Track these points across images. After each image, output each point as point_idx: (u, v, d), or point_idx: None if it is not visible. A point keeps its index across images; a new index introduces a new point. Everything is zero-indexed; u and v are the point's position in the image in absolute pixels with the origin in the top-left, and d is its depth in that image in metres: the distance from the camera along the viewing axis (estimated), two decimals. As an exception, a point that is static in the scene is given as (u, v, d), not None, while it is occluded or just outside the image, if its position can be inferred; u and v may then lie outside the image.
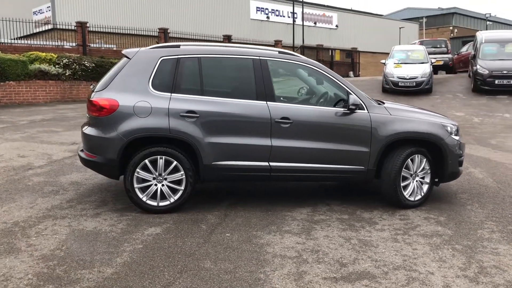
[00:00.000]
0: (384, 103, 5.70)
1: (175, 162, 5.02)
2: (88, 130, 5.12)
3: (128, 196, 5.08)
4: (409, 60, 18.20)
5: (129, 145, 4.97)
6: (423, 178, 5.54)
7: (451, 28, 65.23)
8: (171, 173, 5.06)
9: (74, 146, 8.47)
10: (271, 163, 5.20)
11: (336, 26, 44.46)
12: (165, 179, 5.07)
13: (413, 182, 5.47)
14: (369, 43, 43.89)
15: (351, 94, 5.33)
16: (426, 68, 17.43)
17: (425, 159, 5.48)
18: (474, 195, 6.07)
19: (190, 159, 5.08)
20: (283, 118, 5.15)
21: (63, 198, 5.61)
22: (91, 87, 5.50)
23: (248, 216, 5.12)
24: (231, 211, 5.27)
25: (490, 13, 60.78)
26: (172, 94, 5.05)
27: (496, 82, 16.37)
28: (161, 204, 5.09)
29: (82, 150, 5.30)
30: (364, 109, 5.34)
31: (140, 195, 5.05)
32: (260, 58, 5.29)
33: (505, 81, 16.36)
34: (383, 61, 18.81)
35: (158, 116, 4.96)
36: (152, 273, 3.73)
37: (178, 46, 5.39)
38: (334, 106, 5.40)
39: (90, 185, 6.18)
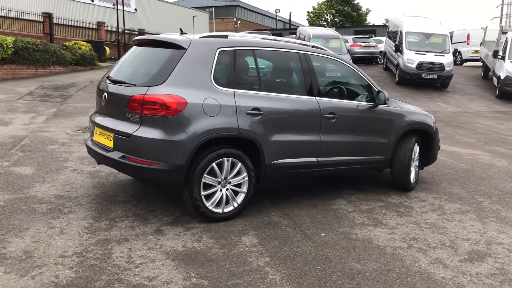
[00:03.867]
0: None
1: (239, 164, 4.63)
2: (144, 132, 4.27)
3: (194, 205, 4.47)
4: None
5: (199, 148, 4.36)
6: (416, 162, 6.30)
7: (234, 19, 70.00)
8: (235, 175, 4.65)
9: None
10: (319, 158, 5.23)
11: (135, 9, 43.18)
12: (229, 182, 4.63)
13: (413, 167, 6.18)
14: (169, 29, 43.89)
15: (375, 88, 5.70)
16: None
17: (418, 146, 6.24)
18: (449, 178, 7.12)
19: (251, 159, 4.75)
20: (330, 113, 5.22)
21: (84, 217, 4.57)
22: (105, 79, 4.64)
23: (308, 214, 5.06)
24: (286, 210, 5.11)
25: (279, 9, 66.91)
26: (235, 90, 4.61)
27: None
28: (225, 210, 4.64)
29: (123, 157, 4.39)
30: (384, 103, 5.78)
31: (206, 203, 4.51)
32: (304, 52, 5.23)
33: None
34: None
35: (227, 114, 4.48)
36: (324, 282, 3.52)
37: (227, 36, 4.90)
38: (360, 99, 5.68)
39: (91, 195, 5.12)
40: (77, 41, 20.76)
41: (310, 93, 5.14)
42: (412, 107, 6.34)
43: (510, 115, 15.92)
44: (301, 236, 4.41)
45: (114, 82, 4.72)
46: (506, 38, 18.88)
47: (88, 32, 26.18)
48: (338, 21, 49.85)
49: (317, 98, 5.17)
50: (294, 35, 24.88)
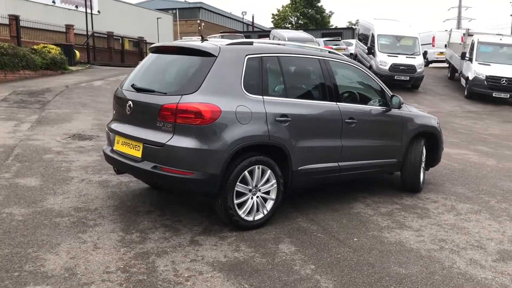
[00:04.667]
0: None
1: (269, 171, 4.62)
2: (178, 142, 4.18)
3: (228, 214, 4.42)
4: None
5: (233, 156, 4.32)
6: (423, 164, 6.45)
7: (198, 21, 69.59)
8: (264, 183, 4.64)
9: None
10: (340, 163, 5.28)
11: (98, 11, 42.26)
12: (259, 190, 4.61)
13: (422, 169, 6.32)
14: (135, 32, 43.23)
15: (388, 93, 5.81)
16: None
17: (425, 148, 6.40)
18: (449, 178, 7.31)
19: (279, 166, 4.74)
20: (350, 118, 5.28)
21: (112, 230, 4.43)
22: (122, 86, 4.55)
23: (333, 218, 5.09)
24: (310, 215, 5.12)
25: (245, 11, 66.68)
26: (264, 97, 4.59)
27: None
28: (256, 218, 4.61)
29: (155, 167, 4.29)
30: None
31: (239, 211, 4.47)
32: (324, 58, 5.27)
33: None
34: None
35: (258, 122, 4.46)
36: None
37: (252, 43, 4.88)
38: (373, 104, 5.76)
39: (110, 206, 4.98)
40: (46, 45, 20.10)
41: (331, 98, 5.19)
42: (418, 110, 6.49)
43: (481, 114, 16.54)
44: (335, 241, 4.43)
45: (140, 90, 4.60)
46: (472, 40, 19.61)
47: (56, 36, 25.39)
48: (302, 23, 50.40)
49: (337, 103, 5.21)
50: (267, 38, 24.99)
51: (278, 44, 5.40)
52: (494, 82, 17.97)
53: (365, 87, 5.81)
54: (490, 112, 17.05)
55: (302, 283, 3.57)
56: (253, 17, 52.74)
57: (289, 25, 52.05)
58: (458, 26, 58.96)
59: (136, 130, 4.52)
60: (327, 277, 3.69)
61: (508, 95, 18.18)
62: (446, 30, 26.98)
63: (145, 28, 45.37)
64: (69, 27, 26.27)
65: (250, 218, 4.55)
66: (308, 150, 4.89)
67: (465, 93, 19.35)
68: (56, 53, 19.52)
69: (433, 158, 6.59)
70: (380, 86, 5.82)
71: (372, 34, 20.33)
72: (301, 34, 21.58)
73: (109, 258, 3.82)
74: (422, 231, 4.85)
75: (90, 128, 9.83)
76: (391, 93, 5.84)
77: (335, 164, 5.22)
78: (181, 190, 4.69)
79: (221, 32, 39.47)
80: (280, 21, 53.43)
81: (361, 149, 5.49)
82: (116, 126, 4.88)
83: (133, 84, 4.70)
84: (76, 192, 5.49)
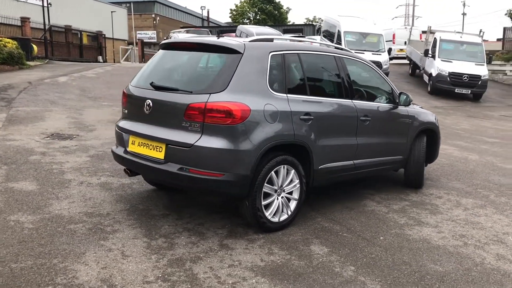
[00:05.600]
0: None
1: (293, 171, 4.53)
2: (207, 142, 4.01)
3: (256, 216, 4.29)
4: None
5: (262, 157, 4.19)
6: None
7: (153, 15, 68.18)
8: (289, 183, 4.55)
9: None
10: (355, 161, 5.27)
11: (49, 3, 40.50)
12: (283, 190, 4.52)
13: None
14: (86, 26, 41.74)
15: (395, 90, 5.84)
16: None
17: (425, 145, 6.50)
18: (442, 173, 7.46)
19: (302, 165, 4.67)
20: (365, 115, 5.28)
21: (134, 236, 4.21)
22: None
23: (351, 217, 5.07)
24: (327, 214, 5.07)
25: (204, 6, 65.58)
26: (288, 95, 4.49)
27: None
28: (281, 219, 4.52)
29: (181, 169, 4.10)
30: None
31: (266, 213, 4.36)
32: (339, 55, 5.23)
33: None
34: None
35: (284, 120, 4.36)
36: None
37: (272, 40, 4.75)
38: (381, 101, 5.78)
39: (122, 210, 4.73)
40: (1, 38, 19.04)
41: (347, 96, 5.15)
42: (418, 106, 6.57)
43: (448, 110, 17.09)
44: (363, 241, 4.40)
45: (160, 88, 4.38)
46: (435, 38, 20.24)
47: (10, 29, 24.06)
48: (260, 19, 50.42)
49: (353, 101, 5.18)
50: (231, 34, 24.74)
51: (296, 41, 5.29)
52: (456, 78, 18.63)
53: (375, 84, 5.82)
54: (455, 108, 17.66)
55: (350, 286, 3.51)
56: (208, 12, 51.88)
57: (247, 21, 51.93)
58: (406, 24, 60.94)
59: (157, 130, 4.30)
60: (371, 278, 3.65)
61: (469, 91, 18.90)
62: (405, 27, 27.71)
63: (99, 22, 43.84)
64: (24, 19, 25.00)
65: (276, 219, 4.44)
66: (327, 149, 4.83)
67: (429, 89, 19.94)
68: (13, 47, 18.55)
69: (432, 154, 6.69)
70: (388, 83, 5.84)
71: (338, 31, 20.56)
72: (269, 30, 21.50)
73: (143, 267, 3.61)
74: (440, 227, 4.90)
75: (67, 127, 9.38)
76: (398, 91, 5.87)
77: (351, 162, 5.20)
78: (210, 192, 4.51)
79: (181, 27, 38.75)
80: (238, 16, 53.20)
81: (374, 146, 5.49)
82: (130, 125, 4.63)
83: (152, 82, 4.46)
84: (79, 196, 5.19)
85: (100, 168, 6.40)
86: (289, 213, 4.56)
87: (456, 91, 18.76)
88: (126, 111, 4.79)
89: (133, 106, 4.64)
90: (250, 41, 4.48)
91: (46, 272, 3.43)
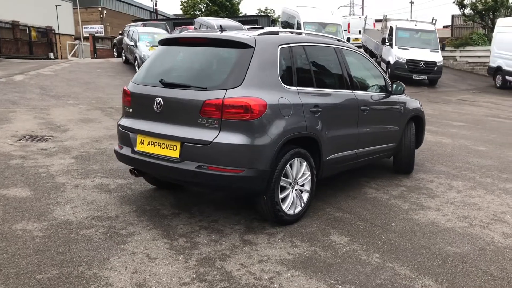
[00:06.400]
0: None
1: (305, 163, 4.56)
2: (226, 139, 3.95)
3: (274, 210, 4.29)
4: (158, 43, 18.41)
5: (279, 151, 4.20)
6: (410, 147, 6.75)
7: (99, 9, 66.04)
8: (301, 175, 4.58)
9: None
10: (357, 150, 5.37)
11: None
12: (297, 183, 4.55)
13: (412, 151, 6.61)
14: (32, 20, 39.87)
15: (387, 79, 5.98)
16: None
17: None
18: (424, 157, 7.68)
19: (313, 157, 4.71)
20: (364, 105, 5.38)
21: (153, 237, 4.11)
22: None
23: (357, 205, 5.17)
24: (334, 204, 5.15)
25: None
26: (298, 88, 4.51)
27: None
28: (296, 211, 4.55)
29: (199, 166, 4.03)
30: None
31: (283, 206, 4.38)
32: (338, 47, 5.29)
33: None
34: (131, 42, 18.39)
35: (297, 113, 4.37)
36: None
37: (278, 33, 4.74)
38: (375, 90, 5.90)
39: (130, 212, 4.60)
40: None
41: (347, 86, 5.23)
42: (407, 96, 6.76)
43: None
44: (377, 228, 4.50)
45: (171, 85, 4.27)
46: (391, 27, 20.80)
47: None
48: (212, 10, 49.92)
49: (353, 91, 5.27)
50: (188, 26, 24.39)
51: (298, 33, 5.29)
52: (413, 65, 19.26)
53: (369, 73, 5.92)
54: (414, 94, 18.24)
55: (381, 272, 3.59)
56: (156, 4, 50.63)
57: (199, 13, 51.27)
58: (351, 12, 62.24)
59: (170, 129, 4.20)
60: (398, 264, 3.75)
61: (426, 77, 19.59)
62: (360, 17, 28.29)
63: (44, 15, 41.92)
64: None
65: (292, 212, 4.47)
66: (334, 140, 4.89)
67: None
68: (-40, 45, 17.48)
69: (419, 140, 6.91)
70: (380, 72, 5.97)
71: (298, 21, 20.73)
72: (230, 22, 21.29)
73: (174, 268, 3.54)
74: (442, 210, 5.08)
75: (38, 128, 9.00)
76: (390, 80, 6.01)
77: (353, 151, 5.29)
78: (228, 189, 4.44)
79: (133, 20, 37.70)
80: (189, 8, 52.41)
81: (373, 135, 5.61)
82: (137, 124, 4.49)
83: (161, 79, 4.34)
84: (80, 200, 5.00)
85: (90, 170, 6.19)
86: (302, 205, 4.59)
87: (413, 77, 19.39)
88: (130, 109, 4.63)
89: (140, 105, 4.51)
90: (258, 35, 4.44)
91: (77, 281, 3.30)
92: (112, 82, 16.02)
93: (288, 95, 4.32)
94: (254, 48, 4.19)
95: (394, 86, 5.92)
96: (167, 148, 4.20)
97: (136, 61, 17.70)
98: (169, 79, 4.34)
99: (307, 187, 4.63)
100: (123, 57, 20.15)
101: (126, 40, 19.21)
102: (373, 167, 6.81)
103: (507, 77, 19.49)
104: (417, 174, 6.57)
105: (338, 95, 5.03)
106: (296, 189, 4.51)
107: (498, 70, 20.10)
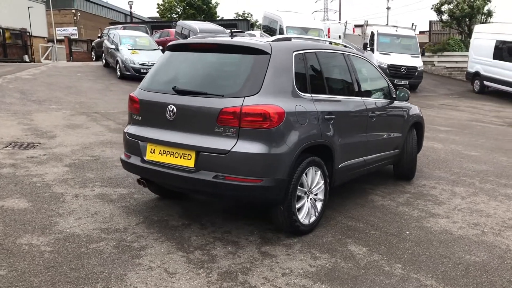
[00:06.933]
0: None
1: (319, 171, 4.49)
2: (245, 148, 3.83)
3: (291, 220, 4.20)
4: (140, 46, 18.17)
5: (297, 159, 4.10)
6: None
7: (73, 11, 64.84)
8: (316, 184, 4.50)
9: None
10: (365, 158, 5.32)
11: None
12: (311, 192, 4.47)
13: (412, 157, 6.61)
14: (3, 22, 38.82)
15: (391, 86, 5.97)
16: (159, 55, 18.07)
17: (413, 137, 6.71)
18: (421, 163, 7.69)
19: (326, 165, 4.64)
20: (372, 112, 5.34)
21: (167, 250, 3.95)
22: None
23: (367, 213, 5.12)
24: (344, 212, 5.08)
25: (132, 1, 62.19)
26: (312, 95, 4.43)
27: None
28: (311, 221, 4.46)
29: (216, 176, 3.90)
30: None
31: (299, 216, 4.29)
32: (347, 53, 5.25)
33: None
34: (112, 46, 18.05)
35: (313, 121, 4.29)
36: None
37: (290, 39, 4.65)
38: (379, 97, 5.87)
39: (138, 224, 4.43)
40: None
41: (357, 93, 5.18)
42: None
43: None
44: (393, 237, 4.45)
45: (185, 92, 4.13)
46: (372, 32, 21.01)
47: None
48: (189, 14, 49.56)
49: (362, 98, 5.22)
50: (169, 29, 24.16)
51: (307, 40, 5.22)
52: (395, 70, 19.46)
53: (374, 80, 5.89)
54: (397, 98, 18.44)
55: (408, 284, 3.53)
56: (130, 6, 49.62)
57: (176, 16, 50.85)
58: (325, 17, 62.87)
59: (184, 137, 4.05)
60: (422, 274, 3.69)
61: (407, 82, 19.82)
62: (339, 22, 28.51)
63: (16, 17, 40.80)
64: None
65: (307, 222, 4.38)
66: (345, 147, 4.83)
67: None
68: None
69: (419, 146, 6.92)
70: (384, 78, 5.95)
71: (280, 26, 20.72)
72: (212, 26, 21.21)
73: (196, 284, 3.40)
74: (451, 217, 5.07)
75: (23, 134, 8.69)
76: (392, 87, 6.00)
77: (362, 159, 5.24)
78: (246, 199, 4.32)
79: (110, 23, 37.14)
80: (165, 11, 51.89)
81: (379, 142, 5.58)
82: (147, 132, 4.33)
83: (174, 86, 4.19)
84: (83, 211, 4.80)
85: (86, 179, 5.97)
86: (317, 214, 4.51)
87: (395, 82, 19.51)
88: (139, 117, 4.46)
89: (150, 112, 4.34)
90: (272, 41, 4.35)
91: (97, 300, 3.12)
92: (94, 86, 15.66)
93: (303, 102, 4.23)
94: (270, 54, 4.09)
95: (398, 92, 5.91)
96: (180, 157, 4.06)
97: (118, 65, 17.41)
98: (182, 86, 4.20)
99: (321, 196, 4.55)
100: (103, 61, 19.76)
101: (107, 43, 18.85)
102: (375, 174, 6.77)
103: (485, 82, 19.90)
104: (418, 181, 6.57)
105: (349, 102, 4.97)
106: (310, 198, 4.42)
107: (476, 75, 20.50)
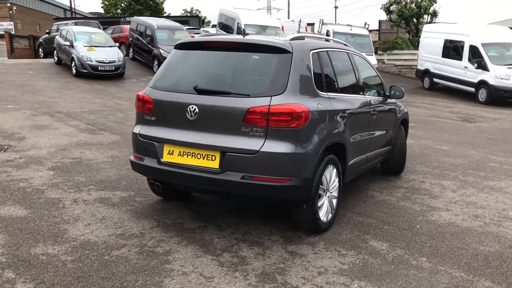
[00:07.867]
0: None
1: (335, 169, 4.54)
2: (274, 147, 3.80)
3: (314, 219, 4.22)
4: (96, 43, 17.53)
5: (321, 158, 4.12)
6: (398, 148, 6.97)
7: (8, 5, 61.45)
8: (333, 182, 4.55)
9: None
10: (367, 154, 5.44)
11: None
12: (329, 190, 4.51)
13: (398, 152, 6.82)
14: None
15: (383, 83, 6.12)
16: (119, 52, 17.52)
17: (399, 133, 6.92)
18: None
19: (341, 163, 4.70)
20: (374, 109, 5.46)
21: (194, 254, 3.85)
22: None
23: (373, 209, 5.23)
24: (351, 208, 5.16)
25: None
26: (328, 94, 4.47)
27: None
28: (328, 218, 4.51)
29: (244, 177, 3.85)
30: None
31: (320, 215, 4.32)
32: (351, 52, 5.33)
33: None
34: (65, 42, 17.30)
35: (332, 120, 4.33)
36: None
37: (303, 38, 4.65)
38: (375, 94, 6.00)
39: (153, 228, 4.29)
40: None
41: (361, 91, 5.28)
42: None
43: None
44: (407, 232, 4.57)
45: (206, 92, 4.02)
46: (327, 30, 21.42)
47: None
48: (136, 9, 48.39)
49: (365, 95, 5.32)
50: (120, 25, 23.48)
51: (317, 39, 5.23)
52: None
53: (371, 77, 6.00)
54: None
55: (439, 277, 3.64)
56: (71, 2, 47.39)
57: (120, 11, 49.50)
58: (270, 15, 63.24)
59: (207, 138, 3.96)
60: (449, 267, 3.82)
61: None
62: (293, 21, 28.84)
63: None
64: None
65: (325, 219, 4.41)
66: (354, 144, 4.91)
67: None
68: None
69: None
70: (379, 76, 6.08)
71: (238, 23, 20.67)
72: (169, 22, 20.79)
73: (238, 287, 3.34)
74: (451, 210, 5.28)
75: (-14, 136, 8.16)
76: (385, 85, 6.15)
77: (365, 156, 5.34)
78: (273, 199, 4.26)
79: (54, 18, 35.47)
80: (110, 6, 50.40)
81: (378, 138, 5.71)
82: (163, 133, 4.18)
83: (195, 86, 4.07)
84: (90, 217, 4.58)
85: (78, 182, 5.70)
86: (333, 212, 4.55)
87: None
88: (153, 118, 4.30)
89: (167, 113, 4.20)
90: (291, 40, 4.33)
91: (144, 310, 2.99)
92: (50, 85, 14.95)
93: (323, 101, 4.25)
94: (292, 53, 4.07)
95: (393, 91, 6.05)
96: (203, 159, 3.96)
97: (74, 62, 16.71)
98: (202, 86, 4.09)
99: (335, 193, 4.59)
100: (55, 58, 18.88)
101: (59, 40, 18.02)
102: (367, 170, 6.92)
103: (435, 79, 20.83)
104: (406, 175, 6.78)
105: (357, 99, 5.05)
106: (328, 196, 4.45)
107: (426, 72, 21.40)
